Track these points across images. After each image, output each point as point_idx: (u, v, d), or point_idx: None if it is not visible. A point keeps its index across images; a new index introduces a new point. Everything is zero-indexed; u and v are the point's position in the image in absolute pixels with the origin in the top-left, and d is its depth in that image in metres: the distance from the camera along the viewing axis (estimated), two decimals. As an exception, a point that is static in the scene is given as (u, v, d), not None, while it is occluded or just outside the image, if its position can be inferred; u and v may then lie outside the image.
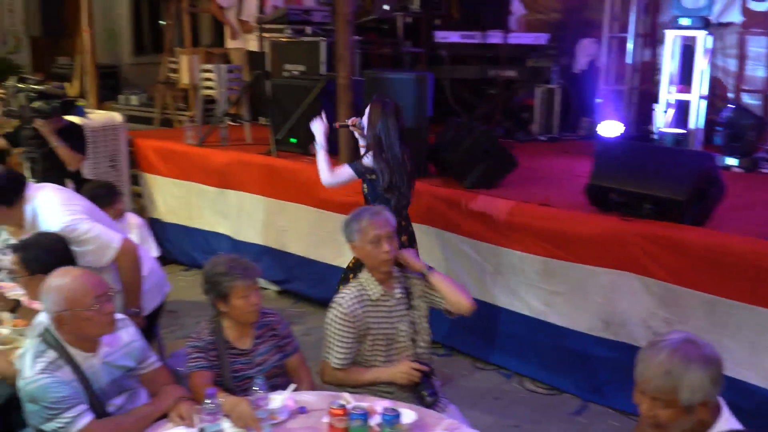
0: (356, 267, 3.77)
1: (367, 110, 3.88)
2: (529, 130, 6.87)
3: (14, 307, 3.09)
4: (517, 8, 7.26)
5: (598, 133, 5.84)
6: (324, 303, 5.16)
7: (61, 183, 4.14)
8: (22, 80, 4.50)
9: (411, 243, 3.97)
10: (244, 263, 2.76)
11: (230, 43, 7.87)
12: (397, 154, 3.75)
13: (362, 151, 3.93)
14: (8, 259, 3.90)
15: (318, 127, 3.97)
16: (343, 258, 5.04)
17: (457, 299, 2.91)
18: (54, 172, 4.45)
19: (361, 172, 3.81)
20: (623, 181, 3.90)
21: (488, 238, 4.32)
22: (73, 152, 4.53)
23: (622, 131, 5.73)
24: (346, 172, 3.85)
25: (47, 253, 2.87)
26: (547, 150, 6.29)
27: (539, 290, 4.15)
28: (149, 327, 3.50)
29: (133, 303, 3.24)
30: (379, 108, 3.80)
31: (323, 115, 4.07)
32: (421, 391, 2.74)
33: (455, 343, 4.61)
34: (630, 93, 6.26)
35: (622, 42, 6.25)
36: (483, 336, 4.45)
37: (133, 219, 4.57)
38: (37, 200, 3.13)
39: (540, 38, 6.81)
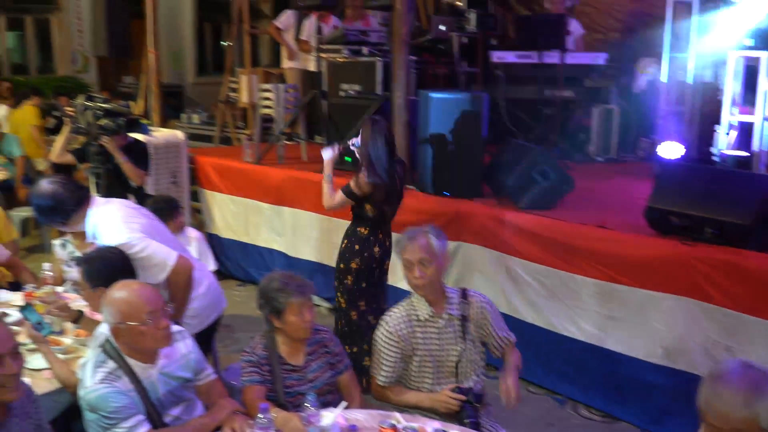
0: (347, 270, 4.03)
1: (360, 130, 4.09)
2: (586, 151, 6.77)
3: (77, 317, 3.18)
4: (576, 28, 7.19)
5: (657, 154, 5.71)
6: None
7: (124, 198, 4.27)
8: (89, 98, 4.67)
9: (382, 258, 4.10)
10: (299, 280, 2.79)
11: (286, 63, 8.02)
12: (385, 170, 3.95)
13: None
14: (73, 271, 4.06)
15: (328, 155, 4.21)
16: (395, 277, 5.05)
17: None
18: (118, 187, 4.60)
19: (351, 193, 4.00)
20: (684, 204, 3.80)
21: (543, 260, 4.26)
22: (137, 168, 4.66)
23: (683, 153, 5.59)
24: (339, 196, 4.07)
25: (109, 267, 2.93)
26: (605, 171, 6.18)
27: (595, 315, 4.07)
28: (206, 340, 3.56)
29: (176, 317, 3.30)
30: (369, 126, 4.01)
31: (335, 145, 4.31)
32: (463, 419, 2.71)
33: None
34: (691, 114, 6.10)
35: (683, 62, 6.11)
36: (536, 360, 4.37)
37: (192, 233, 4.68)
38: (99, 215, 3.23)
39: (598, 58, 6.73)
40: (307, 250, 5.70)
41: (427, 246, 2.83)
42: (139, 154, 4.78)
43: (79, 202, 3.24)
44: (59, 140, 4.81)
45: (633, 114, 6.73)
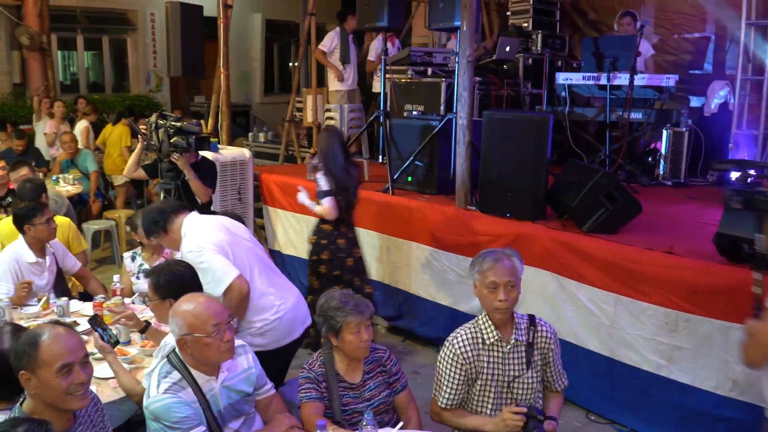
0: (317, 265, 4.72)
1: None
2: (654, 174, 6.61)
3: (144, 328, 3.28)
4: (646, 48, 7.06)
5: (728, 178, 5.52)
6: (432, 342, 5.21)
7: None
8: (162, 117, 4.85)
9: (349, 247, 4.79)
10: (357, 299, 2.81)
11: (334, 85, 8.09)
12: (342, 168, 4.68)
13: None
14: (141, 283, 4.20)
15: (303, 199, 4.95)
16: (453, 299, 5.03)
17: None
18: (186, 202, 4.74)
19: (327, 192, 4.65)
20: (756, 231, 3.66)
21: (607, 285, 4.16)
22: (204, 186, 4.80)
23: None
24: (327, 202, 4.64)
25: (177, 280, 3.02)
26: (674, 195, 6.01)
27: (660, 344, 3.94)
28: (280, 360, 3.58)
29: None
30: (326, 135, 4.83)
31: (303, 191, 5.00)
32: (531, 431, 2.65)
33: (569, 393, 4.40)
34: (764, 138, 5.89)
35: (757, 85, 5.92)
36: (598, 389, 4.26)
37: None
38: (191, 224, 3.42)
39: (669, 80, 6.57)
40: (367, 269, 5.73)
41: (513, 269, 2.81)
42: (207, 171, 4.92)
43: (176, 210, 3.47)
44: (133, 156, 5.01)
45: (704, 137, 6.53)
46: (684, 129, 6.47)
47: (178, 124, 4.74)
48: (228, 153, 6.61)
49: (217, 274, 3.22)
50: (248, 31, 14.00)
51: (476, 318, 2.92)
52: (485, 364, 2.82)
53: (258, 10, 13.95)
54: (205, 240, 3.29)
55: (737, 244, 3.74)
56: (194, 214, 3.50)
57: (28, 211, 4.15)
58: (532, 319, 2.92)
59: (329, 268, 4.73)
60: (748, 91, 6.03)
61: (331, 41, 8.00)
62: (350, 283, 4.64)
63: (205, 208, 4.92)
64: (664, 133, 6.49)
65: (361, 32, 8.45)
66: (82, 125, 9.24)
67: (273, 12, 14.10)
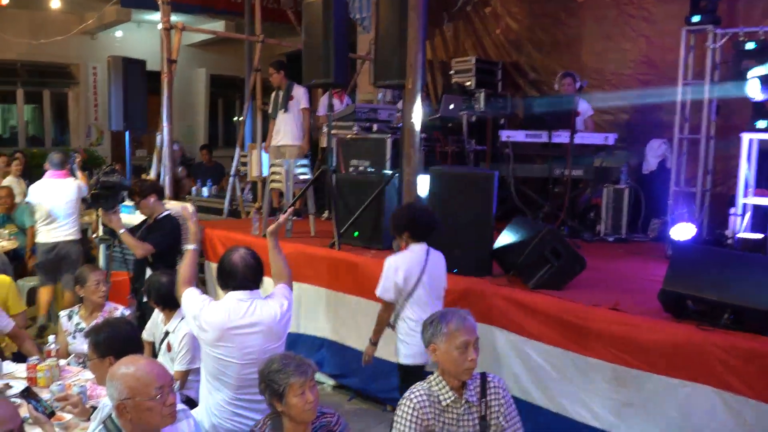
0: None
1: None
2: (596, 230, 6.72)
3: (89, 414, 3.11)
4: (585, 108, 7.27)
5: (669, 235, 5.65)
6: (380, 401, 5.07)
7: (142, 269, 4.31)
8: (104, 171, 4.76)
9: None
10: (299, 359, 2.69)
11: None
12: None
13: None
14: (77, 343, 4.02)
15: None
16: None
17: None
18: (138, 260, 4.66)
19: None
20: (701, 287, 3.70)
21: (554, 341, 4.14)
22: (139, 241, 4.71)
23: (695, 234, 5.53)
24: None
25: (118, 337, 2.96)
26: (616, 251, 6.11)
27: (609, 400, 3.91)
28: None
29: None
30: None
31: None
32: None
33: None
34: (702, 195, 6.07)
35: (694, 143, 6.13)
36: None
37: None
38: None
39: (608, 138, 6.76)
40: (311, 326, 5.60)
41: (475, 327, 2.78)
42: (159, 227, 4.85)
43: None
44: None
45: (644, 194, 6.71)
46: (623, 186, 6.64)
47: (108, 178, 4.66)
48: (171, 207, 6.43)
49: None
50: (192, 85, 13.97)
51: (427, 378, 2.84)
52: (441, 427, 2.73)
53: (203, 65, 13.95)
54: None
55: (682, 300, 3.78)
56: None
57: None
58: (483, 376, 2.85)
59: None
60: (686, 150, 6.23)
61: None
62: None
63: (159, 264, 4.78)
64: (605, 190, 6.64)
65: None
66: (14, 180, 8.91)
67: (218, 67, 14.13)
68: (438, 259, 4.13)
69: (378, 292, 4.05)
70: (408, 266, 3.96)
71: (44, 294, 6.72)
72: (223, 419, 3.17)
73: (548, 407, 4.15)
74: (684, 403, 3.62)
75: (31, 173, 9.39)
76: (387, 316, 4.04)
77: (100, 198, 4.65)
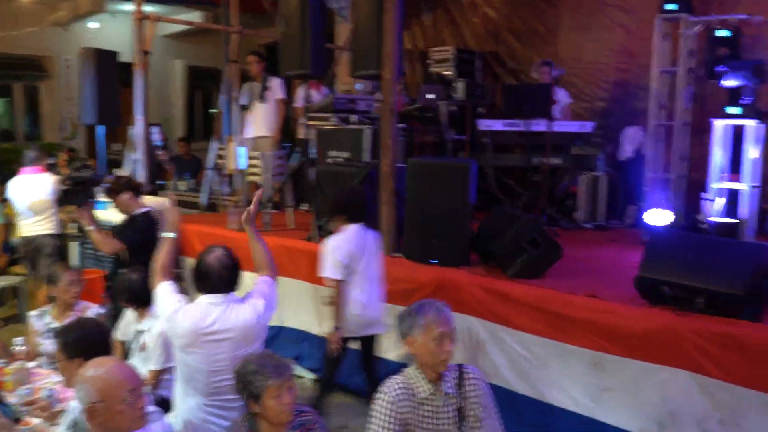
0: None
1: None
2: (573, 218, 6.77)
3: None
4: (562, 97, 7.29)
5: (645, 221, 5.70)
6: (359, 394, 5.07)
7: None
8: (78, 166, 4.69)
9: None
10: (276, 360, 2.64)
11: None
12: None
13: None
14: (47, 344, 3.94)
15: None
16: (380, 347, 4.93)
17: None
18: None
19: None
20: (675, 273, 3.75)
21: (533, 329, 4.16)
22: (109, 239, 4.68)
23: (671, 220, 5.59)
24: None
25: (87, 338, 2.90)
26: (593, 238, 6.15)
27: (588, 386, 3.95)
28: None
29: None
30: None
31: None
32: None
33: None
34: (677, 181, 6.13)
35: (669, 130, 6.18)
36: (528, 431, 4.22)
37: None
38: None
39: (585, 126, 6.80)
40: (292, 319, 5.57)
41: (451, 318, 2.76)
42: (133, 225, 4.78)
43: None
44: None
45: (620, 181, 6.76)
46: (600, 173, 6.68)
47: (77, 174, 4.61)
48: (149, 202, 6.37)
49: None
50: (169, 77, 13.80)
51: (403, 371, 2.83)
52: (416, 420, 2.72)
53: (180, 56, 13.78)
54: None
55: (657, 286, 3.82)
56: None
57: None
58: (460, 368, 2.85)
59: None
60: (661, 137, 6.28)
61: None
62: None
63: (133, 262, 4.70)
64: (582, 178, 6.68)
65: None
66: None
67: (196, 58, 13.97)
68: (376, 238, 4.31)
69: (326, 273, 4.13)
70: (353, 245, 4.10)
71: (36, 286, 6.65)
72: (198, 421, 3.10)
73: (527, 394, 4.19)
74: (661, 387, 3.66)
75: (2, 169, 9.23)
76: (341, 296, 4.12)
77: (70, 194, 4.56)
